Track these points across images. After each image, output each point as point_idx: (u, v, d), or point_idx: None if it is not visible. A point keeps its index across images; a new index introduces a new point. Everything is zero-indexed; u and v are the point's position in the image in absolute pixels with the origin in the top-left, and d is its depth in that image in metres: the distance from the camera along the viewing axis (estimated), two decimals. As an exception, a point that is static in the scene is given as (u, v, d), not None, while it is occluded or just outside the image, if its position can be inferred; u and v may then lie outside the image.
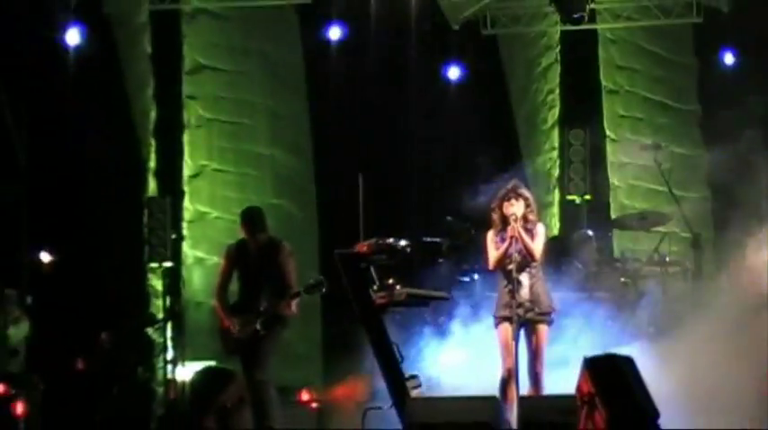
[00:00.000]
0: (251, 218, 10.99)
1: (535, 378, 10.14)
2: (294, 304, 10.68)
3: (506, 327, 10.11)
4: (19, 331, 13.51)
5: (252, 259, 10.80)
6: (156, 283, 14.57)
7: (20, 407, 11.66)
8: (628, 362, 9.29)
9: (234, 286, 11.02)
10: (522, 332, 10.11)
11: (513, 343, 9.98)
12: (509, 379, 10.05)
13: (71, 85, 15.05)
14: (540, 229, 10.33)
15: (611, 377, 8.94)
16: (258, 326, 10.58)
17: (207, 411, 9.78)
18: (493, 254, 10.26)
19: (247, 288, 10.81)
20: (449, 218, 12.55)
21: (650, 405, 8.77)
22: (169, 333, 13.58)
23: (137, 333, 13.58)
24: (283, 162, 15.27)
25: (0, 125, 14.89)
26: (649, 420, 8.66)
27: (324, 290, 10.56)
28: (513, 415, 9.67)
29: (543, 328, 10.19)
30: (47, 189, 15.00)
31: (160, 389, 14.00)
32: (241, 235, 11.06)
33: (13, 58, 14.84)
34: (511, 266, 10.07)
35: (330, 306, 11.60)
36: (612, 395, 8.81)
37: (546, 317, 10.21)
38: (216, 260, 14.64)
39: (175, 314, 11.50)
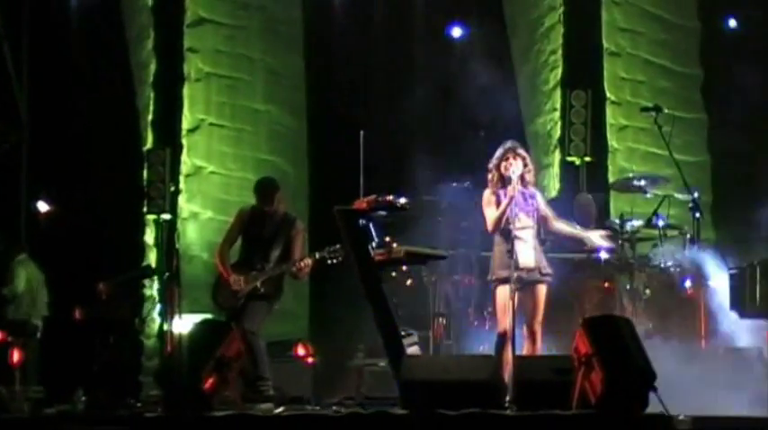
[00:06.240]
0: (263, 190, 11.02)
1: (532, 336, 10.11)
2: (307, 269, 10.71)
3: (504, 289, 10.04)
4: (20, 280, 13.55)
5: (265, 229, 10.86)
6: (150, 236, 14.60)
7: (16, 355, 11.67)
8: (626, 323, 9.32)
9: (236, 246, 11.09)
10: (518, 293, 10.05)
11: (512, 303, 9.95)
12: (505, 340, 10.00)
13: (72, 35, 15.00)
14: (540, 199, 10.31)
15: (609, 338, 8.96)
16: (258, 284, 10.67)
17: (206, 363, 9.80)
18: (491, 214, 10.19)
19: (253, 252, 10.87)
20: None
21: (648, 366, 8.79)
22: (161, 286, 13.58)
23: (134, 284, 13.59)
24: (278, 119, 15.26)
25: (1, 73, 14.86)
26: (646, 382, 8.70)
27: (340, 258, 10.60)
28: (507, 376, 9.67)
29: (543, 289, 10.16)
30: (46, 137, 14.99)
31: (151, 341, 14.08)
32: (252, 199, 11.12)
33: (15, 6, 14.80)
34: (511, 227, 10.04)
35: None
36: (610, 356, 8.83)
37: (546, 277, 10.20)
38: (210, 215, 14.67)
39: (172, 267, 11.47)
